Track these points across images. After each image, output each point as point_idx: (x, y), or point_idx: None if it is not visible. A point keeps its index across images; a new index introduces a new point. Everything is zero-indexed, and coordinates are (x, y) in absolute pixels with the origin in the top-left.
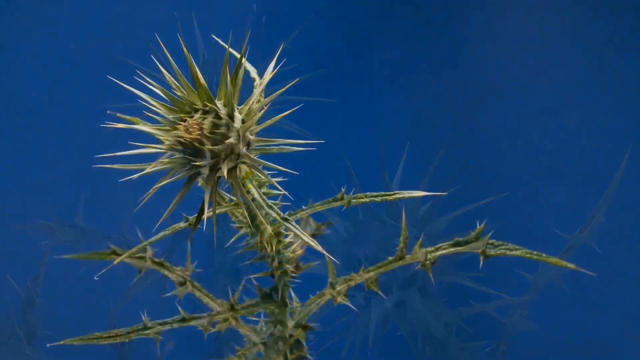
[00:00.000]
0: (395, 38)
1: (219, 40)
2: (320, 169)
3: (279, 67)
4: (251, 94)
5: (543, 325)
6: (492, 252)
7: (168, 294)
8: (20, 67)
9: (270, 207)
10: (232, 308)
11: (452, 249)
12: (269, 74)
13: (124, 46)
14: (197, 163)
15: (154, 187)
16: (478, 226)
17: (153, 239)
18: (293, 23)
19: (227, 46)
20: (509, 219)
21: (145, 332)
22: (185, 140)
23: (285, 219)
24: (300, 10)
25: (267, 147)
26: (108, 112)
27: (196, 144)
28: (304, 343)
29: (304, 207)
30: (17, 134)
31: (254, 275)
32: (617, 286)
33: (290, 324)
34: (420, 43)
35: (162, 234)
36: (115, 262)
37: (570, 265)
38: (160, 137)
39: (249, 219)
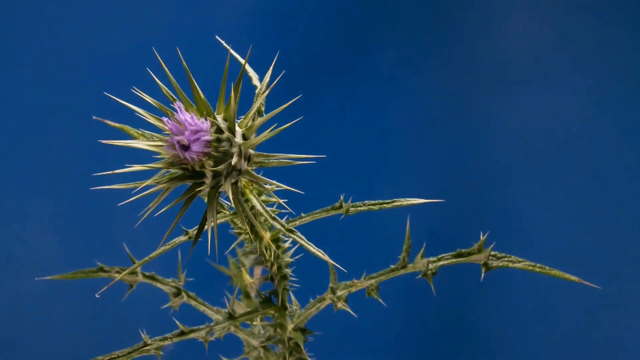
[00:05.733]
0: (395, 37)
1: (222, 42)
2: (319, 173)
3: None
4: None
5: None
6: (494, 264)
7: (164, 306)
8: (20, 68)
9: (274, 218)
10: (230, 317)
11: (454, 260)
12: (265, 86)
13: (124, 53)
14: (200, 189)
15: (147, 208)
16: (481, 237)
17: (154, 254)
18: (292, 22)
19: (229, 48)
20: (509, 221)
21: (146, 348)
22: (186, 165)
23: (291, 230)
24: (300, 9)
25: (266, 162)
26: (94, 117)
27: (197, 168)
28: (302, 346)
29: (302, 214)
30: (16, 135)
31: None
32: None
33: (290, 326)
34: (421, 43)
35: (161, 249)
36: (115, 280)
37: (574, 278)
38: (160, 155)
39: (248, 227)
